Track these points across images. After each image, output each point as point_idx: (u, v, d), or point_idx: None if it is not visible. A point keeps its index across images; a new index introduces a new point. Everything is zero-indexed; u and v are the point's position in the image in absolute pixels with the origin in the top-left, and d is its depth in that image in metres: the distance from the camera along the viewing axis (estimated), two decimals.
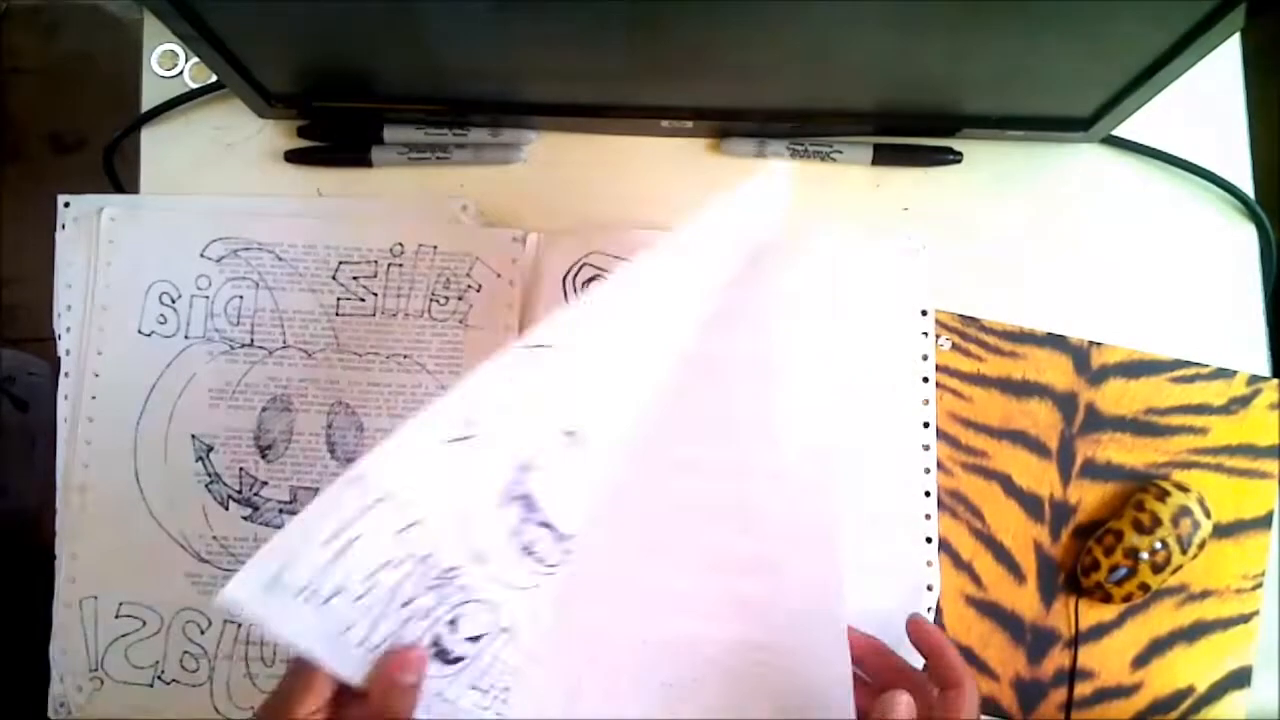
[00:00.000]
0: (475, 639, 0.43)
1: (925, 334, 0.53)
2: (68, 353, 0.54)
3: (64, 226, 0.55)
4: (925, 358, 0.53)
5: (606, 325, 0.52)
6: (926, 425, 0.52)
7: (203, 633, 0.52)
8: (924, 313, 0.53)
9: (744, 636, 0.50)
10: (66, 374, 0.53)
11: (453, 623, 0.43)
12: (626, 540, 0.51)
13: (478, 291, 0.53)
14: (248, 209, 0.55)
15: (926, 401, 0.52)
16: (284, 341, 0.53)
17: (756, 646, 0.50)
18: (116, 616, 0.51)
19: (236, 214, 0.54)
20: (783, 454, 0.51)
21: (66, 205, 0.55)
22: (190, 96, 0.55)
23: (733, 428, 0.52)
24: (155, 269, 0.54)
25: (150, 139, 0.56)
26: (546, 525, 0.45)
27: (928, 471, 0.52)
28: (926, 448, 0.52)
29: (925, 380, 0.53)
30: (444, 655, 0.42)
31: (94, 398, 0.53)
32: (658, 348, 0.52)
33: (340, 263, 0.54)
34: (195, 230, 0.54)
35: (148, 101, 0.56)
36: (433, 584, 0.42)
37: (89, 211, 0.54)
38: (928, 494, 0.51)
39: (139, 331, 0.53)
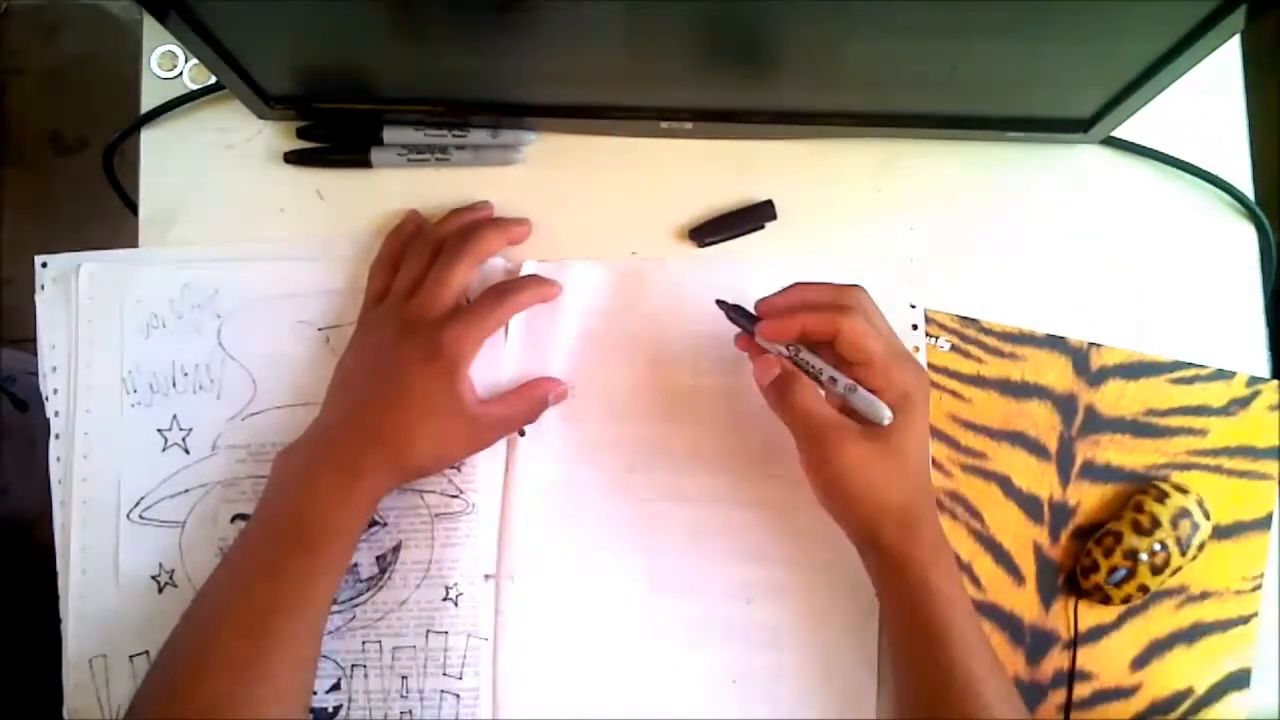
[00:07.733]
0: (335, 687, 0.50)
1: (915, 326, 0.53)
2: (56, 414, 0.52)
3: (43, 287, 0.53)
4: (915, 349, 0.52)
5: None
6: None
7: None
8: (912, 305, 0.53)
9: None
10: (57, 435, 0.52)
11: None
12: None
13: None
14: (226, 257, 0.54)
15: None
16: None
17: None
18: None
19: (213, 261, 0.54)
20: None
21: (44, 265, 0.53)
22: (190, 98, 0.55)
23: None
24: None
25: (150, 140, 0.56)
26: None
27: None
28: None
29: None
30: (320, 715, 0.49)
31: (85, 457, 0.52)
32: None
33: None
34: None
35: (147, 102, 0.56)
36: None
37: (67, 271, 0.53)
38: None
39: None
